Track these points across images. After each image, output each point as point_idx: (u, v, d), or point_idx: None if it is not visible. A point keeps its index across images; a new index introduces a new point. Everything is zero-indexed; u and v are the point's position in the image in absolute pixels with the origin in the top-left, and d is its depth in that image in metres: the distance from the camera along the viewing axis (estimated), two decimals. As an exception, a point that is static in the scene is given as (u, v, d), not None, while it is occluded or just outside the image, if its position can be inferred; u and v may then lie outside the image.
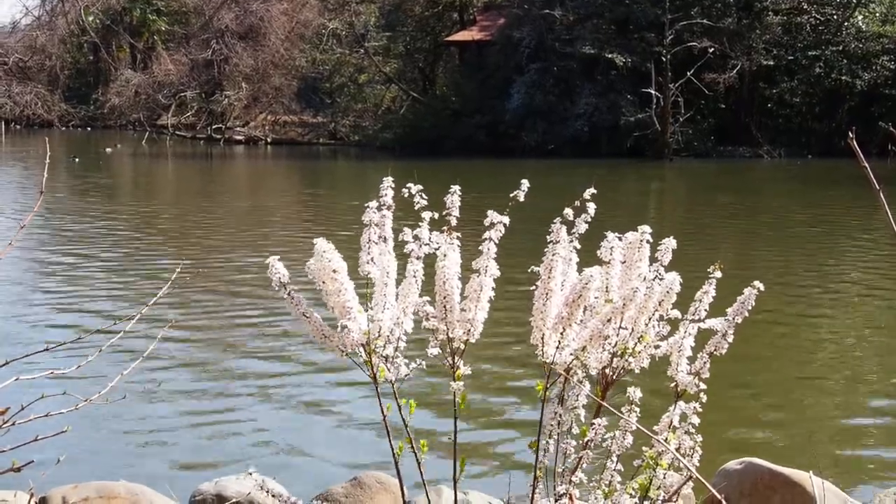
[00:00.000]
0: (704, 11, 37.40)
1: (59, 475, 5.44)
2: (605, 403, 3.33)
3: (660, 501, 3.54)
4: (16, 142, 47.94)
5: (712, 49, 36.20)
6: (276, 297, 3.43)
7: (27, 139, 49.48)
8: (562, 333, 3.38)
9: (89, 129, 55.63)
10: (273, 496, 3.54)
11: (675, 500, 3.55)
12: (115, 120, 54.99)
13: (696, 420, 3.52)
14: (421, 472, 3.43)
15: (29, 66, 59.55)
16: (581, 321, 3.44)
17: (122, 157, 39.60)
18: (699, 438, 3.55)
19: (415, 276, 3.34)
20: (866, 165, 2.43)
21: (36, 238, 17.62)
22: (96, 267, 15.16)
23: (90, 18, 58.20)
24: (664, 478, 3.53)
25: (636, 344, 3.54)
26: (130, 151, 42.11)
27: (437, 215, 3.39)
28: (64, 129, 56.16)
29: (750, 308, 3.50)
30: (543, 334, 3.41)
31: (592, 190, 3.47)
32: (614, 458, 3.56)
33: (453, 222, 3.39)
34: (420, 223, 3.38)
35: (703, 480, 2.57)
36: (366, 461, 6.96)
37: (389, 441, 3.43)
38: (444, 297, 3.38)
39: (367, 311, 3.30)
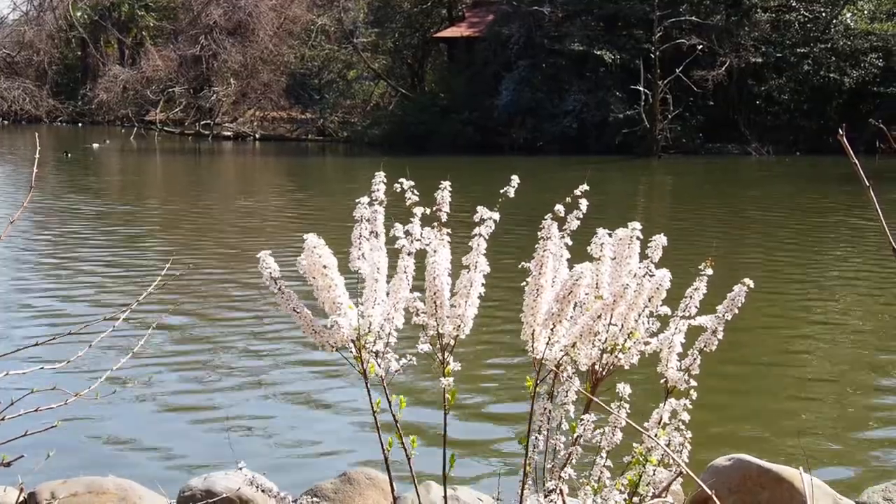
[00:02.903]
0: (693, 8, 37.42)
1: (49, 470, 5.43)
2: (595, 399, 3.34)
3: (649, 497, 3.55)
4: (3, 137, 47.78)
5: (701, 46, 36.19)
6: (266, 292, 3.43)
7: (15, 135, 49.33)
8: (552, 329, 3.39)
9: (79, 124, 55.47)
10: (262, 491, 3.54)
11: (664, 496, 3.56)
12: (104, 116, 54.80)
13: (685, 416, 3.53)
14: (410, 468, 3.43)
15: (16, 62, 59.38)
16: (571, 317, 3.45)
17: (111, 153, 39.49)
18: (689, 435, 3.56)
19: (405, 272, 3.34)
20: (856, 162, 2.44)
21: (26, 234, 17.57)
22: (86, 263, 15.13)
23: (78, 14, 58.04)
24: (653, 474, 3.53)
25: (626, 340, 3.55)
26: (118, 147, 42.00)
27: (427, 211, 3.40)
28: (52, 124, 56.01)
29: (740, 305, 3.52)
30: (534, 330, 3.41)
31: (585, 186, 3.47)
32: (604, 454, 3.56)
33: (444, 218, 3.40)
34: (411, 219, 3.39)
35: (693, 476, 2.58)
36: (355, 458, 6.96)
37: (379, 436, 3.43)
38: (435, 293, 3.39)
39: (358, 306, 3.30)
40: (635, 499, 3.55)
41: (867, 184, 2.46)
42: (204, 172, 34.44)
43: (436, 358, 3.45)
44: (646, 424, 3.55)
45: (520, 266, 3.48)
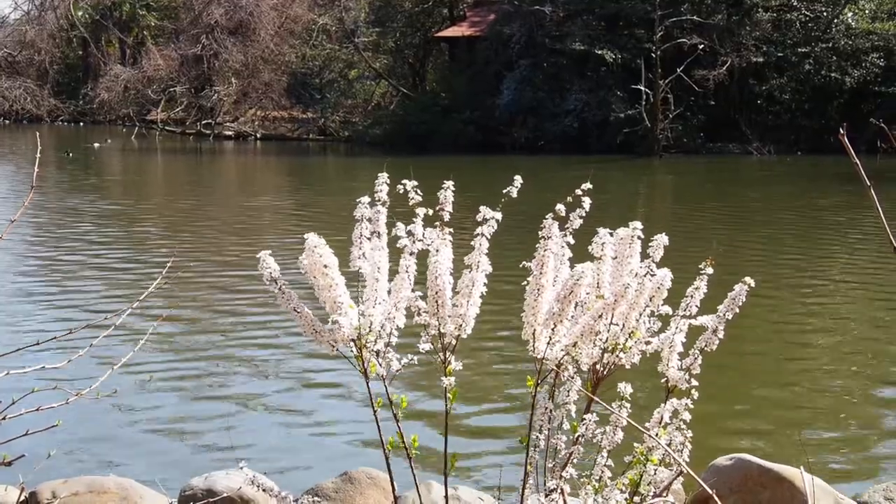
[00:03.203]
0: (694, 8, 37.40)
1: (50, 470, 5.44)
2: (595, 398, 3.34)
3: (650, 497, 3.55)
4: (4, 137, 47.78)
5: (702, 46, 36.18)
6: (267, 293, 3.43)
7: (16, 134, 49.33)
8: (553, 329, 3.39)
9: (82, 123, 55.48)
10: (263, 490, 3.54)
11: (665, 495, 3.56)
12: (105, 115, 54.78)
13: (686, 416, 3.53)
14: (411, 467, 3.43)
15: (18, 61, 59.39)
16: (572, 317, 3.45)
17: (112, 152, 39.49)
18: (689, 434, 3.56)
19: (407, 272, 3.34)
20: (857, 162, 2.43)
21: (26, 233, 17.57)
22: (87, 262, 15.13)
23: (79, 13, 58.04)
24: (654, 473, 3.53)
25: (627, 340, 3.55)
26: (120, 147, 42.02)
27: (430, 211, 3.39)
28: (53, 124, 56.01)
29: (741, 304, 3.52)
30: (535, 330, 3.41)
31: (588, 185, 3.47)
32: (605, 454, 3.56)
33: (446, 218, 3.40)
34: (413, 219, 3.39)
35: (694, 475, 2.58)
36: (356, 459, 6.95)
37: (380, 435, 3.43)
38: (436, 293, 3.38)
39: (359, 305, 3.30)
40: (636, 498, 3.55)
41: (868, 183, 2.46)
42: (205, 172, 34.44)
43: (437, 357, 3.45)
44: (647, 424, 3.55)
45: (521, 265, 3.48)
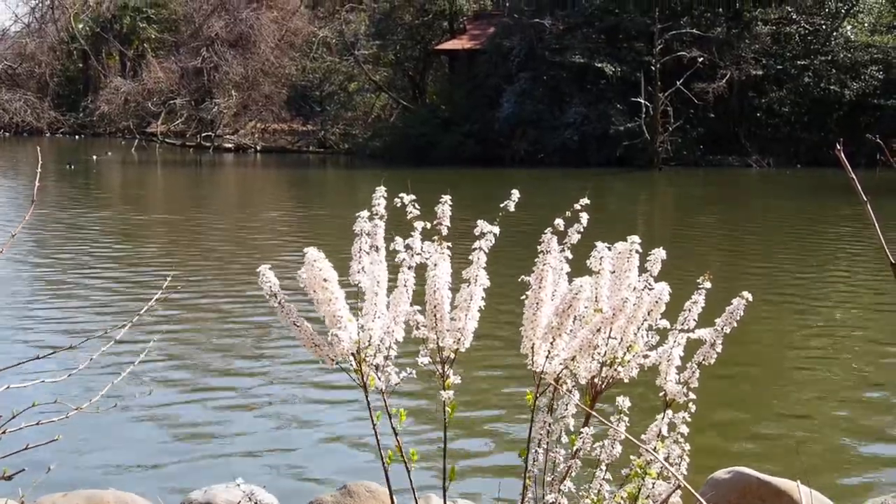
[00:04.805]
0: (694, 21, 37.51)
1: (49, 484, 5.43)
2: (593, 412, 3.34)
3: (648, 510, 3.55)
4: (4, 149, 47.81)
5: (701, 58, 36.26)
6: (266, 307, 3.45)
7: (17, 147, 49.36)
8: (552, 343, 3.40)
9: (82, 136, 55.55)
10: (263, 505, 3.54)
11: (663, 509, 3.57)
12: (105, 127, 54.91)
13: (684, 429, 3.54)
14: (410, 480, 3.44)
15: (18, 74, 59.55)
16: (571, 331, 3.46)
17: (112, 165, 39.53)
18: (687, 447, 3.57)
19: (406, 286, 3.35)
20: (854, 177, 2.45)
21: (27, 248, 17.57)
22: (88, 275, 15.13)
23: (80, 26, 58.16)
24: (652, 487, 3.54)
25: (625, 353, 3.56)
26: (120, 159, 42.06)
27: (428, 225, 3.41)
28: (53, 136, 56.08)
29: (739, 318, 3.52)
30: (534, 344, 3.42)
31: (586, 200, 3.48)
32: (603, 467, 3.57)
33: (444, 232, 3.41)
34: (412, 233, 3.40)
35: (691, 489, 2.58)
36: (355, 473, 6.95)
37: (379, 448, 3.44)
38: (435, 307, 3.40)
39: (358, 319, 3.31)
40: (634, 511, 3.55)
41: (864, 199, 2.47)
42: (205, 184, 34.46)
43: (436, 371, 3.46)
44: (644, 437, 3.55)
45: (519, 280, 3.50)
